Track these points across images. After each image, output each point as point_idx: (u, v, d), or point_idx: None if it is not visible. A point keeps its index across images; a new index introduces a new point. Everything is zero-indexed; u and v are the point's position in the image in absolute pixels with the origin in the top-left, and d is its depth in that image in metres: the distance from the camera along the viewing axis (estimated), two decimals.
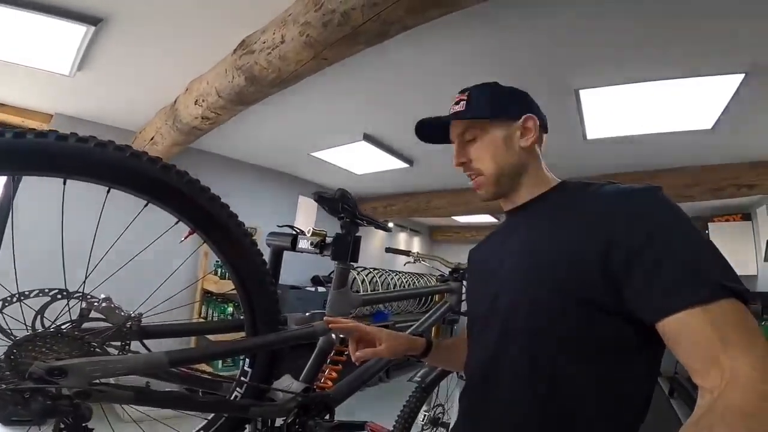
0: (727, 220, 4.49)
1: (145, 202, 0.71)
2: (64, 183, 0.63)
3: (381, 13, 1.30)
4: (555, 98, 2.16)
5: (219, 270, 3.28)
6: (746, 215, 4.39)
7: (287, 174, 4.44)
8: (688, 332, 0.51)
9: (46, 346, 0.58)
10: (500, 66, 1.94)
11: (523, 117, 0.77)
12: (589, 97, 2.12)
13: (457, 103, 0.79)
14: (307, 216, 4.60)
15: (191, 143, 2.87)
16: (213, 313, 3.30)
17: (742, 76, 1.81)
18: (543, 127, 0.79)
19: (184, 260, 0.96)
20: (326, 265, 3.98)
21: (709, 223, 4.54)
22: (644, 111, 2.24)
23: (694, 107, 2.14)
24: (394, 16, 1.32)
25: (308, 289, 4.06)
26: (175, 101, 2.42)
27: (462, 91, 0.80)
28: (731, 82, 1.86)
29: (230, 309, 3.29)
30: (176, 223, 0.77)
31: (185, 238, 0.86)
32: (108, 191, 0.67)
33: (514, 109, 0.78)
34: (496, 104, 0.77)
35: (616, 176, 3.24)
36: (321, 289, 4.00)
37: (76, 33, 1.84)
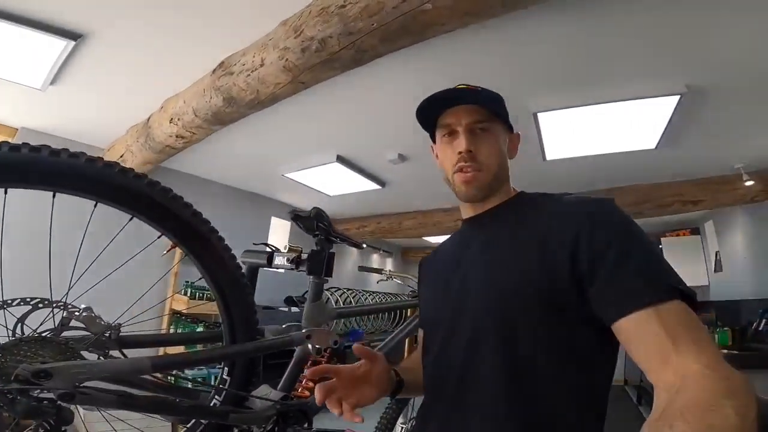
0: (677, 235, 4.82)
1: (130, 216, 0.74)
2: (54, 196, 0.66)
3: (356, 41, 1.41)
4: (516, 121, 2.31)
5: (189, 290, 3.21)
6: (695, 230, 4.74)
7: (259, 195, 4.43)
8: (641, 332, 0.53)
9: (30, 351, 0.60)
10: None
11: (516, 133, 0.84)
12: (546, 119, 2.28)
13: (473, 89, 0.77)
14: (279, 237, 4.58)
15: (162, 162, 2.86)
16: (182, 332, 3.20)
17: (678, 97, 1.98)
18: None
19: (166, 272, 0.98)
20: (299, 287, 3.96)
21: (661, 238, 4.85)
22: (596, 132, 2.44)
23: (638, 128, 2.35)
24: (367, 45, 1.42)
25: (282, 309, 4.02)
26: (149, 119, 2.42)
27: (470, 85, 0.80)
28: (668, 103, 2.04)
29: (200, 329, 3.19)
30: (159, 236, 0.79)
31: (167, 251, 0.88)
32: (95, 205, 0.70)
33: (509, 122, 0.81)
34: (504, 109, 0.80)
35: None
36: (294, 309, 3.96)
37: (54, 47, 1.84)
